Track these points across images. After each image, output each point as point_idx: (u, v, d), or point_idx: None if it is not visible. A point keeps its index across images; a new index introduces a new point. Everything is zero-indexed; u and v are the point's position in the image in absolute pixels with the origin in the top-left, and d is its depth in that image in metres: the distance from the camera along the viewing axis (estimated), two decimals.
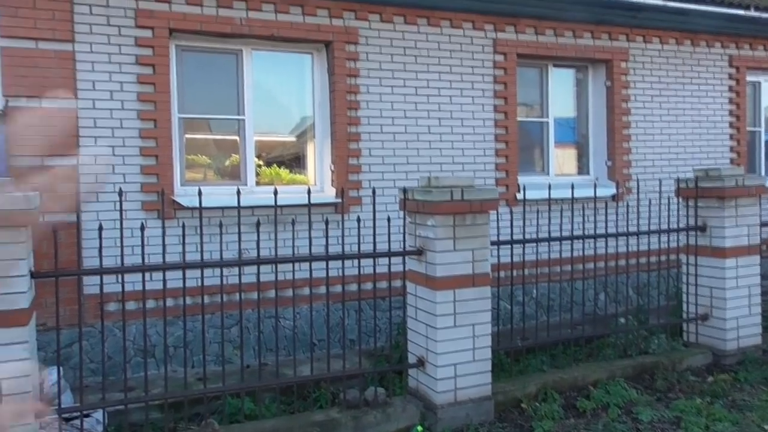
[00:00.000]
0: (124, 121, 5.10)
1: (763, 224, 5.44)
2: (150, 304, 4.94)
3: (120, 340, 4.99)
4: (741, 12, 7.09)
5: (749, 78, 8.15)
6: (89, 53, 4.96)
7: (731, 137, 7.95)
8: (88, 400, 3.93)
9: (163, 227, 3.74)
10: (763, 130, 8.56)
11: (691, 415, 4.08)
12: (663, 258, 5.74)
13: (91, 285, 4.80)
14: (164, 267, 3.66)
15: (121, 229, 3.59)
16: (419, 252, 4.07)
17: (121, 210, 3.60)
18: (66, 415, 3.67)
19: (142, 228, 3.63)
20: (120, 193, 3.57)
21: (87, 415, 3.89)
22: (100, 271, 3.54)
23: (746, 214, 5.23)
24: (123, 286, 3.65)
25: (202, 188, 3.89)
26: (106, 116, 5.04)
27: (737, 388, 4.66)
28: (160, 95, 5.17)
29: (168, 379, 3.80)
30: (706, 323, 5.31)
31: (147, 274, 3.74)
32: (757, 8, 7.20)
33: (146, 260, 3.67)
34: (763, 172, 8.45)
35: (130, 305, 4.89)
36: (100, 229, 3.49)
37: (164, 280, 3.72)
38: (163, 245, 3.68)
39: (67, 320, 4.75)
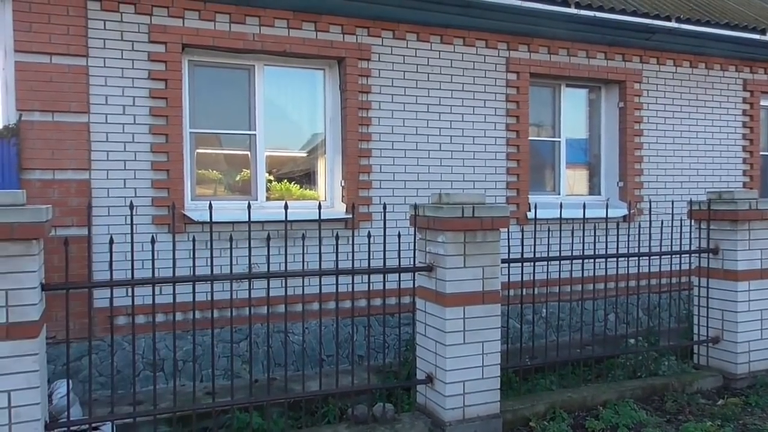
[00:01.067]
0: (136, 136, 5.15)
1: None
2: (159, 317, 4.95)
3: (129, 354, 5.00)
4: (756, 36, 7.10)
5: (764, 102, 8.14)
6: (102, 68, 5.03)
7: (744, 161, 7.92)
8: (97, 413, 3.92)
9: (174, 241, 3.75)
10: None
11: None
12: (674, 280, 5.69)
13: (101, 298, 4.83)
14: (174, 280, 3.65)
15: (132, 242, 3.59)
16: (429, 268, 4.06)
17: (132, 224, 3.60)
18: (75, 428, 3.65)
19: (153, 241, 3.64)
20: (131, 206, 3.58)
21: (96, 428, 3.88)
22: (110, 284, 3.54)
23: (759, 238, 5.18)
24: (133, 299, 3.65)
25: (212, 203, 3.90)
26: (118, 131, 5.09)
27: (748, 412, 4.59)
28: (172, 110, 5.22)
29: (177, 393, 3.79)
30: (717, 346, 5.24)
31: (157, 288, 3.74)
32: None
33: (156, 274, 3.67)
34: None
35: (140, 319, 4.90)
36: (111, 242, 3.50)
37: (174, 294, 3.72)
38: (173, 259, 3.69)
39: (77, 333, 4.75)
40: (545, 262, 4.67)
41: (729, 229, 5.14)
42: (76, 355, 4.85)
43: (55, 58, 4.86)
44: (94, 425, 3.72)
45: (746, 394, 4.90)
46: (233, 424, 3.97)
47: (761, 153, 8.15)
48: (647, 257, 5.13)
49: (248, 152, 5.79)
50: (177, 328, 3.82)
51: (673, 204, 5.52)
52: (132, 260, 3.57)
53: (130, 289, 3.73)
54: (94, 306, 4.79)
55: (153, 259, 3.63)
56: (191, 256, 3.80)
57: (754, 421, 4.40)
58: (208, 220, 3.81)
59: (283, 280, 3.93)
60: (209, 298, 3.85)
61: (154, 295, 3.69)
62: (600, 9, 6.14)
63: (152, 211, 5.20)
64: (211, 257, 3.80)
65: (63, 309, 3.43)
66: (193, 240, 3.88)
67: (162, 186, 5.22)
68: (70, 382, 3.86)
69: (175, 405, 3.76)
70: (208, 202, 4.00)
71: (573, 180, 7.30)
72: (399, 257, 4.13)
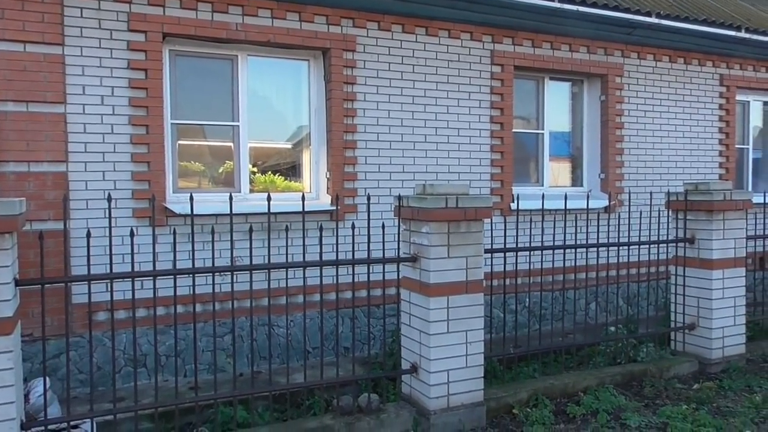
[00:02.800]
0: (115, 127, 5.04)
1: (749, 238, 5.51)
2: (140, 312, 4.89)
3: (109, 350, 4.92)
4: (732, 32, 7.22)
5: (739, 97, 8.28)
6: (79, 57, 4.91)
7: (720, 154, 8.05)
8: (76, 411, 3.86)
9: (154, 234, 3.70)
10: (751, 147, 8.69)
11: (677, 421, 4.15)
12: (652, 269, 5.79)
13: (79, 294, 4.74)
14: (155, 274, 3.61)
15: (110, 236, 3.52)
16: (413, 259, 4.07)
17: (110, 217, 3.53)
18: (53, 427, 3.60)
19: (132, 234, 3.58)
20: (109, 199, 3.51)
21: (75, 426, 3.82)
22: (88, 278, 3.49)
23: (733, 228, 5.31)
24: (112, 294, 3.58)
25: (194, 195, 3.86)
26: (97, 121, 4.98)
27: (721, 395, 4.74)
28: (152, 100, 5.13)
29: (159, 388, 3.75)
30: (693, 333, 5.38)
31: (137, 282, 3.68)
32: (747, 29, 7.34)
33: (137, 268, 3.61)
34: (750, 188, 8.56)
35: (120, 314, 4.83)
36: (88, 235, 3.45)
37: (155, 288, 3.68)
38: (154, 252, 3.64)
39: (54, 330, 4.67)
40: (528, 252, 4.71)
41: (705, 219, 5.25)
42: (54, 353, 4.77)
43: (30, 46, 4.73)
44: (73, 423, 3.67)
45: (720, 379, 5.07)
46: (217, 419, 3.94)
47: (736, 146, 8.30)
48: (627, 247, 5.21)
49: (231, 144, 5.73)
50: (159, 322, 3.78)
51: (651, 195, 5.60)
52: (110, 254, 3.50)
53: (109, 284, 3.66)
54: (71, 302, 4.70)
55: (132, 253, 3.58)
56: (173, 249, 3.75)
57: (727, 404, 4.54)
58: (190, 212, 3.76)
59: (267, 273, 3.91)
60: (191, 292, 3.81)
61: (134, 289, 3.64)
62: (583, 3, 6.18)
63: (132, 204, 5.11)
64: (193, 250, 3.76)
65: (39, 305, 3.36)
66: (174, 233, 3.83)
67: (142, 178, 5.14)
68: (48, 380, 3.78)
69: (157, 400, 3.73)
70: (190, 194, 3.95)
71: (556, 172, 7.36)
72: (383, 248, 4.13)
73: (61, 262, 4.65)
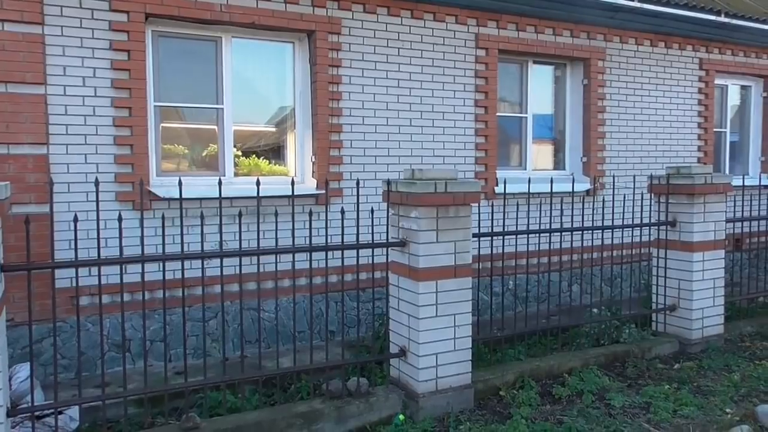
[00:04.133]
0: (97, 109, 4.96)
1: (727, 220, 5.63)
2: (126, 297, 4.83)
3: (94, 335, 4.89)
4: (712, 17, 7.31)
5: (717, 81, 8.41)
6: (60, 37, 4.79)
7: (699, 137, 8.18)
8: (62, 397, 3.83)
9: (142, 218, 3.66)
10: (728, 131, 8.85)
11: (659, 400, 4.26)
12: (635, 251, 5.89)
13: (62, 278, 4.68)
14: (143, 259, 3.57)
15: (98, 220, 3.48)
16: (402, 243, 4.09)
17: (97, 200, 3.48)
18: (38, 413, 3.57)
19: (120, 219, 3.53)
20: (96, 182, 3.47)
21: (60, 412, 3.79)
22: (76, 264, 3.44)
23: (713, 211, 5.42)
24: (100, 279, 3.55)
25: (180, 179, 3.81)
26: (78, 103, 4.89)
27: (702, 375, 4.86)
28: (135, 82, 5.04)
29: (146, 373, 3.73)
30: (674, 314, 5.50)
31: (123, 267, 3.64)
32: (727, 14, 7.44)
33: (121, 253, 3.58)
34: (727, 171, 8.74)
35: (105, 299, 4.78)
36: (75, 220, 3.40)
37: (143, 273, 3.65)
38: (142, 237, 3.60)
39: (38, 315, 4.60)
40: (513, 236, 4.76)
41: (686, 203, 5.35)
42: (37, 338, 4.72)
43: (8, 25, 4.60)
44: (59, 409, 3.64)
45: (700, 358, 5.20)
46: (206, 403, 3.94)
47: (715, 130, 8.44)
48: (610, 230, 5.29)
49: (215, 126, 5.66)
50: (145, 307, 3.75)
51: (634, 178, 5.69)
52: (98, 238, 3.48)
53: (93, 269, 3.62)
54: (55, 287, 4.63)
55: (120, 237, 3.53)
56: (156, 233, 3.72)
57: (707, 383, 4.67)
58: (175, 196, 3.73)
59: (257, 258, 3.90)
60: (178, 276, 3.78)
61: (122, 274, 3.60)
62: None
63: (115, 188, 5.04)
64: (182, 234, 3.73)
65: (21, 290, 3.31)
66: (163, 217, 3.79)
67: (125, 161, 5.06)
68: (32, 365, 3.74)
69: (145, 385, 3.71)
70: (177, 178, 3.93)
71: (539, 155, 7.42)
72: (372, 233, 4.14)
73: (44, 246, 4.58)
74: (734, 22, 7.48)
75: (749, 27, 7.69)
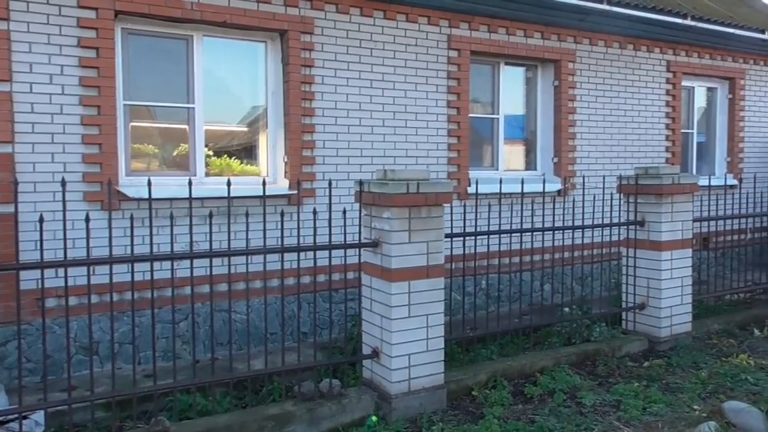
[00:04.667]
0: (65, 107, 4.86)
1: (694, 220, 5.74)
2: (94, 299, 4.75)
3: (60, 338, 4.79)
4: (678, 20, 7.46)
5: (684, 83, 8.58)
6: (26, 33, 4.69)
7: (667, 138, 8.34)
8: (27, 401, 3.74)
9: (110, 219, 3.59)
10: (695, 132, 9.04)
11: (629, 398, 4.32)
12: (605, 251, 5.98)
13: (28, 280, 4.57)
14: (111, 260, 3.51)
15: (64, 220, 3.42)
16: (375, 244, 4.08)
17: (63, 200, 3.42)
18: (2, 418, 3.48)
19: (87, 219, 3.47)
20: (63, 182, 3.41)
21: (25, 417, 3.69)
22: (41, 265, 3.37)
23: (681, 210, 5.51)
24: (66, 281, 3.48)
25: (150, 179, 3.76)
26: (45, 101, 4.79)
27: (670, 372, 4.94)
28: (104, 80, 4.95)
29: (114, 376, 3.67)
30: (643, 312, 5.59)
31: (91, 268, 3.58)
32: (693, 17, 7.60)
33: (89, 254, 3.51)
34: (694, 171, 8.92)
35: (73, 300, 4.69)
36: (41, 221, 3.32)
37: (111, 274, 3.58)
38: (110, 238, 3.54)
39: (2, 318, 4.51)
40: (486, 236, 4.79)
41: (654, 203, 5.44)
42: (0, 341, 4.61)
43: None
44: (24, 414, 3.55)
45: (669, 356, 5.28)
46: (175, 407, 3.88)
47: (682, 131, 8.62)
48: (580, 230, 5.36)
49: (186, 126, 5.59)
50: (113, 309, 3.68)
51: (603, 179, 5.77)
52: (65, 239, 3.41)
53: (60, 270, 3.54)
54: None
55: (87, 238, 3.47)
56: (125, 234, 3.67)
57: (676, 380, 4.75)
58: (144, 196, 3.68)
59: (226, 259, 3.85)
60: (148, 278, 3.72)
61: (89, 276, 3.53)
62: None
63: (83, 188, 4.94)
64: (151, 235, 3.67)
65: None
66: (132, 217, 3.73)
67: (94, 161, 4.96)
68: None
69: (113, 389, 3.64)
70: (146, 178, 3.86)
71: (511, 156, 7.49)
72: (344, 233, 4.13)
73: (8, 247, 4.47)
74: (700, 25, 7.64)
75: (714, 30, 7.86)
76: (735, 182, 8.80)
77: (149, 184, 3.66)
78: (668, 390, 4.55)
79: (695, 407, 4.19)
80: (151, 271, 3.69)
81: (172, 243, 3.75)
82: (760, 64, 9.28)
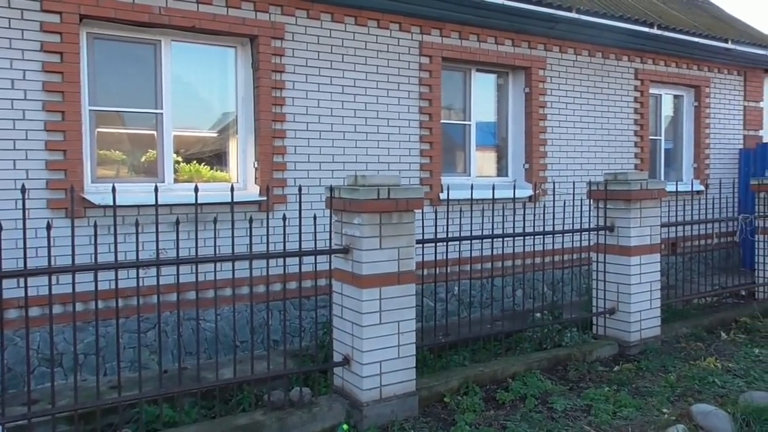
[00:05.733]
0: (27, 113, 4.75)
1: (663, 225, 5.82)
2: (57, 309, 4.63)
3: (20, 350, 4.65)
4: (645, 29, 7.62)
5: (652, 90, 8.75)
6: None
7: (636, 144, 8.48)
8: None
9: (73, 226, 3.51)
10: (663, 138, 9.20)
11: (600, 403, 4.34)
12: (575, 256, 6.04)
13: None
14: (74, 269, 3.42)
15: (24, 228, 3.32)
16: (346, 250, 4.05)
17: (24, 208, 3.32)
18: None
19: (48, 227, 3.37)
20: (23, 189, 3.31)
21: None
22: (1, 275, 3.26)
23: (649, 216, 5.58)
24: (26, 291, 3.37)
25: (116, 185, 3.68)
26: (7, 107, 4.67)
27: (640, 376, 4.97)
28: (68, 85, 4.85)
29: (78, 388, 3.56)
30: (613, 317, 5.63)
31: (54, 277, 3.48)
32: (659, 26, 7.77)
33: (53, 262, 3.42)
34: (662, 177, 9.08)
35: (34, 311, 4.57)
36: (0, 228, 3.22)
37: (74, 283, 3.49)
38: (73, 246, 3.44)
39: None
40: (457, 242, 4.80)
41: (623, 208, 5.50)
42: None
43: None
44: None
45: (638, 360, 5.32)
46: (141, 418, 3.79)
47: (650, 137, 8.78)
48: (551, 235, 5.40)
49: (154, 132, 5.50)
50: (77, 319, 3.59)
51: (574, 185, 5.83)
52: (24, 248, 3.30)
53: (21, 280, 3.44)
54: None
55: (49, 246, 3.37)
56: (92, 242, 3.57)
57: (645, 384, 4.79)
58: (111, 203, 3.58)
59: (194, 266, 3.79)
60: (113, 287, 3.64)
61: (50, 285, 3.43)
62: None
63: (47, 195, 4.83)
64: (116, 243, 3.59)
65: None
66: (95, 225, 3.64)
67: (58, 167, 4.85)
68: None
69: (76, 402, 3.54)
70: (111, 184, 3.76)
71: (482, 162, 7.53)
72: (315, 240, 4.09)
73: None
74: (666, 34, 7.82)
75: (680, 39, 8.05)
76: (702, 188, 8.99)
77: (113, 190, 3.58)
78: (638, 394, 4.58)
79: (664, 411, 4.23)
80: (116, 279, 3.60)
81: (137, 251, 3.66)
82: (724, 72, 9.51)
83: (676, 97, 9.37)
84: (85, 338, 4.87)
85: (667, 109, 9.33)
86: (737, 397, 4.33)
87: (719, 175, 9.24)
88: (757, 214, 7.24)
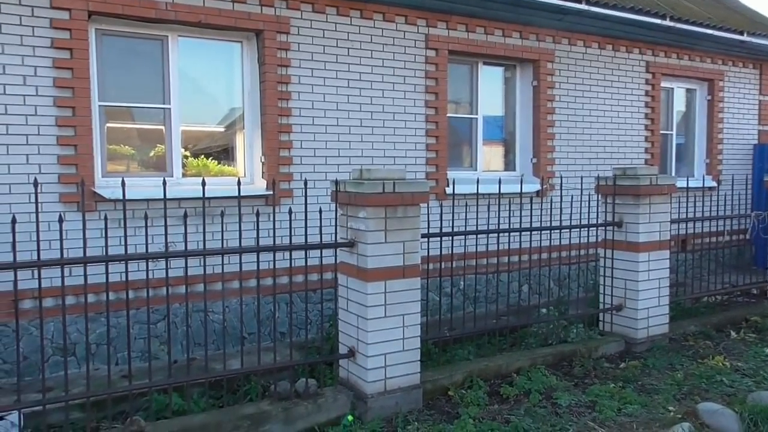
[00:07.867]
0: (39, 108, 4.83)
1: (672, 221, 5.78)
2: (70, 300, 4.72)
3: (36, 339, 4.76)
4: (657, 21, 7.48)
5: (664, 84, 8.64)
6: None
7: (646, 139, 8.41)
8: (2, 402, 3.72)
9: (84, 220, 3.58)
10: (674, 133, 9.11)
11: (605, 399, 4.34)
12: (582, 252, 6.01)
13: (2, 282, 4.53)
14: (85, 261, 3.50)
15: (37, 222, 3.40)
16: (351, 244, 4.09)
17: (36, 201, 3.40)
18: None
19: (61, 220, 3.45)
20: (35, 183, 3.39)
21: (1, 418, 3.68)
22: (14, 266, 3.34)
23: (658, 212, 5.52)
24: (40, 282, 3.46)
25: (125, 180, 3.75)
26: (19, 102, 4.76)
27: (646, 374, 4.95)
28: (78, 81, 4.92)
29: (90, 377, 3.66)
30: (620, 313, 5.59)
31: (66, 269, 3.56)
32: (672, 18, 7.64)
33: (65, 255, 3.50)
34: (673, 173, 8.99)
35: (48, 302, 4.66)
36: (13, 221, 3.30)
37: (85, 275, 3.56)
38: (84, 238, 3.53)
39: None
40: (463, 236, 4.81)
41: (632, 204, 5.46)
42: None
43: None
44: None
45: (645, 357, 5.29)
46: (152, 407, 3.87)
47: (661, 132, 8.69)
48: (558, 230, 5.38)
49: (163, 127, 5.57)
50: (89, 310, 3.66)
51: (582, 180, 5.80)
52: (38, 240, 3.39)
53: (35, 271, 3.53)
54: None
55: (61, 238, 3.45)
56: (103, 235, 3.64)
57: (651, 382, 4.77)
58: (121, 197, 3.65)
59: (202, 259, 3.85)
60: (123, 279, 3.71)
61: (63, 276, 3.51)
62: None
63: (59, 189, 4.92)
64: (125, 236, 3.65)
65: None
66: (106, 218, 3.71)
67: (69, 162, 4.94)
68: None
69: (88, 389, 3.63)
70: (121, 178, 3.84)
71: (489, 156, 7.51)
72: (321, 233, 4.14)
73: None
74: (679, 26, 7.68)
75: (693, 31, 7.91)
76: (714, 184, 8.91)
77: (123, 184, 3.65)
78: (644, 391, 4.56)
79: (670, 408, 4.21)
80: (126, 271, 3.67)
81: (147, 244, 3.73)
82: (738, 65, 9.39)
83: (688, 90, 9.27)
84: (97, 329, 4.97)
85: (679, 103, 9.23)
86: (745, 396, 4.31)
87: (732, 171, 9.13)
88: None
